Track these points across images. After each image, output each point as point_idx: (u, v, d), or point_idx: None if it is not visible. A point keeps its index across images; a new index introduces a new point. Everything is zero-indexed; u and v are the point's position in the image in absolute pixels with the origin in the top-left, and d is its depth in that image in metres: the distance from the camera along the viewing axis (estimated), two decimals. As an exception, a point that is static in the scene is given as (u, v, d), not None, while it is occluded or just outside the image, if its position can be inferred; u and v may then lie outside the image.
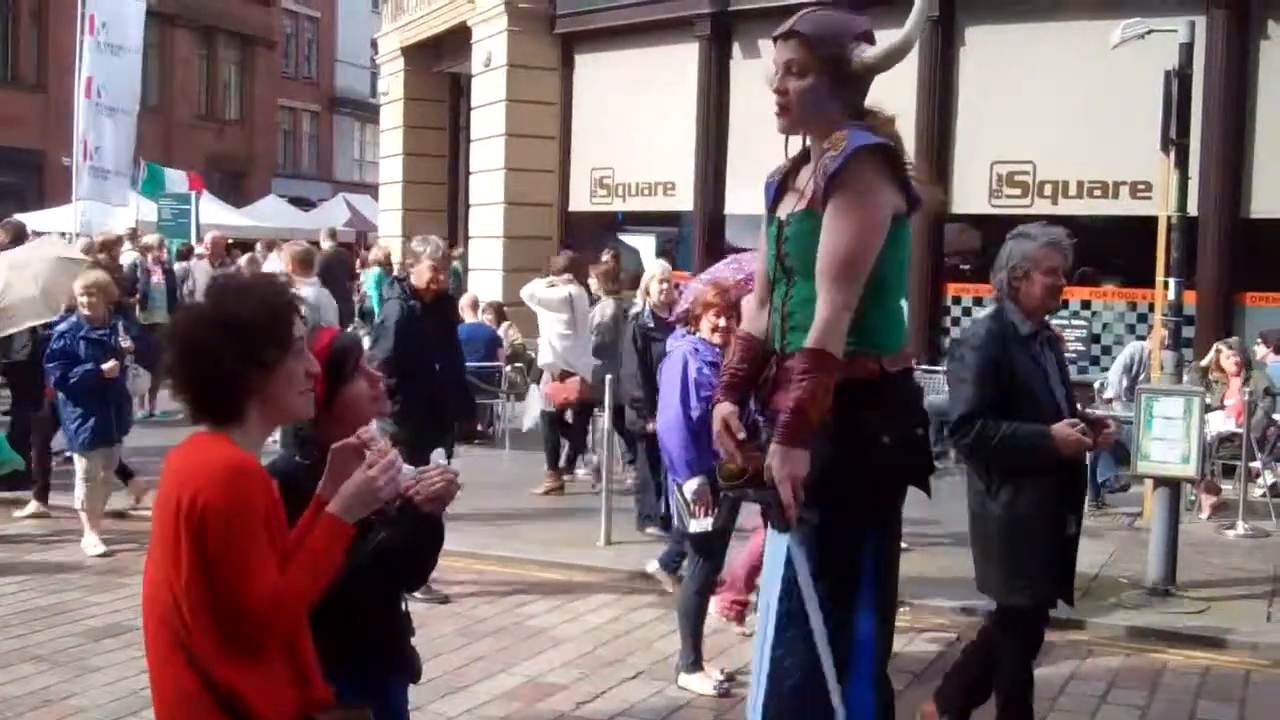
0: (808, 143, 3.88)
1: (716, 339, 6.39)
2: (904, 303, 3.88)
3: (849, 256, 3.55)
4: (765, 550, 3.96)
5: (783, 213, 3.85)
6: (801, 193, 3.78)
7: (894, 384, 3.70)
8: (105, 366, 8.87)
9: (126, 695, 6.17)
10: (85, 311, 9.10)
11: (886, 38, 3.78)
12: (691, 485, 6.22)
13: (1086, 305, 13.50)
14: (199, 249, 18.68)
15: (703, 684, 6.36)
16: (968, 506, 5.21)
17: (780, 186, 3.94)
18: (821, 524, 3.68)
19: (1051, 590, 5.13)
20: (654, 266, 10.17)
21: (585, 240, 17.15)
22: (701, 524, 6.23)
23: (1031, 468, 4.98)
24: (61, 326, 9.24)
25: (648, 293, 9.61)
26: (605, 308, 11.96)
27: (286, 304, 2.91)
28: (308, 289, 10.22)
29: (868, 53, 3.70)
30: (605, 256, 15.48)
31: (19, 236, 12.22)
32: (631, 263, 16.14)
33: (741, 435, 3.89)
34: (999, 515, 5.01)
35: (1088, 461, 10.48)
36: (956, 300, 14.14)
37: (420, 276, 8.10)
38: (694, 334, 6.58)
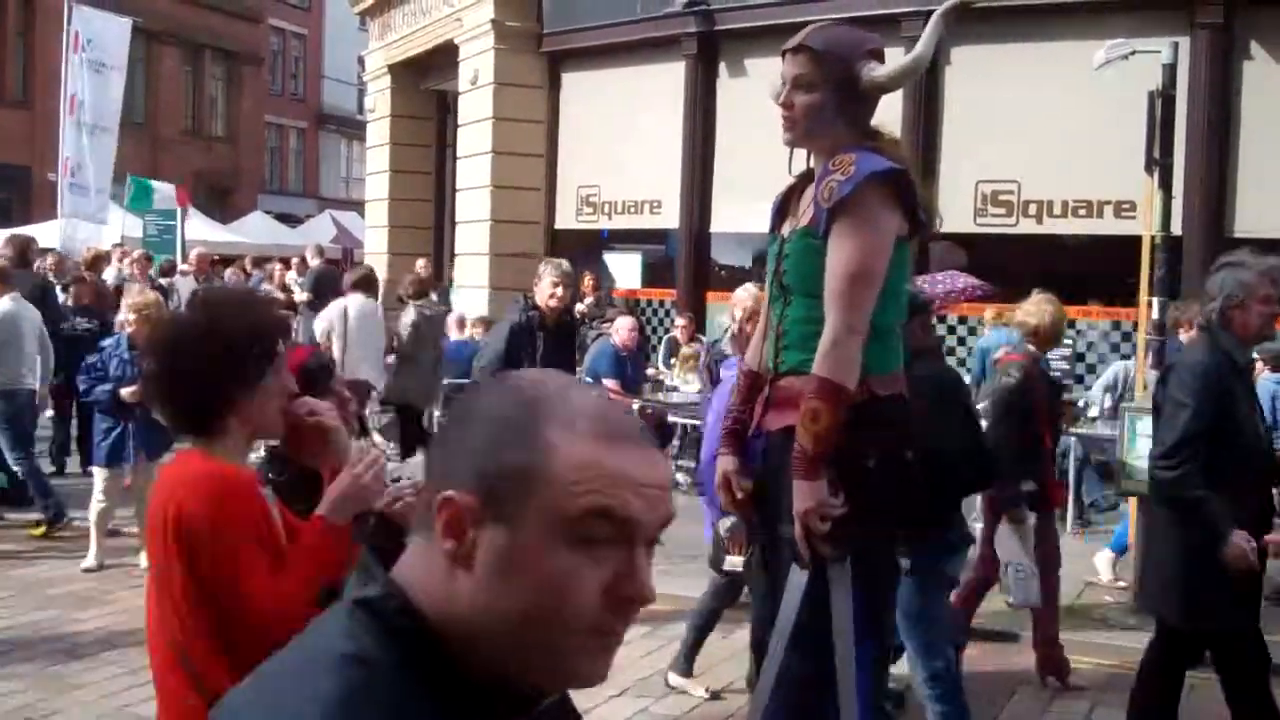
0: (812, 161, 3.84)
1: None
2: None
3: (855, 280, 3.52)
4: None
5: (785, 230, 3.83)
6: (804, 211, 3.75)
7: (883, 406, 3.63)
8: (124, 391, 8.79)
9: (110, 713, 6.16)
10: (129, 330, 9.08)
11: (894, 57, 3.77)
12: (726, 523, 5.90)
13: (1071, 324, 13.53)
14: (183, 266, 18.66)
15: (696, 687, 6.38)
16: (1143, 528, 5.12)
17: (784, 204, 3.91)
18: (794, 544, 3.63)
19: (1244, 615, 5.02)
20: (739, 292, 9.62)
21: (571, 258, 17.16)
22: (733, 562, 5.95)
23: (1239, 488, 4.85)
24: (106, 342, 9.24)
25: (732, 318, 9.04)
26: (407, 315, 12.19)
27: (275, 320, 2.93)
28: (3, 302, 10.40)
29: (878, 71, 3.67)
30: (586, 280, 15.59)
31: (24, 251, 12.22)
32: (609, 280, 16.22)
33: (741, 494, 3.91)
34: (1202, 539, 4.82)
35: (1071, 480, 10.60)
36: (940, 319, 14.16)
37: (542, 292, 8.13)
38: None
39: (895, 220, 3.62)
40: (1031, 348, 6.88)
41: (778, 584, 3.70)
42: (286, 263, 21.43)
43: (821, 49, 3.70)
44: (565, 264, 8.47)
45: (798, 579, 3.60)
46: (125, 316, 9.18)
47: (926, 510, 4.72)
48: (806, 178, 3.85)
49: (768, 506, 3.84)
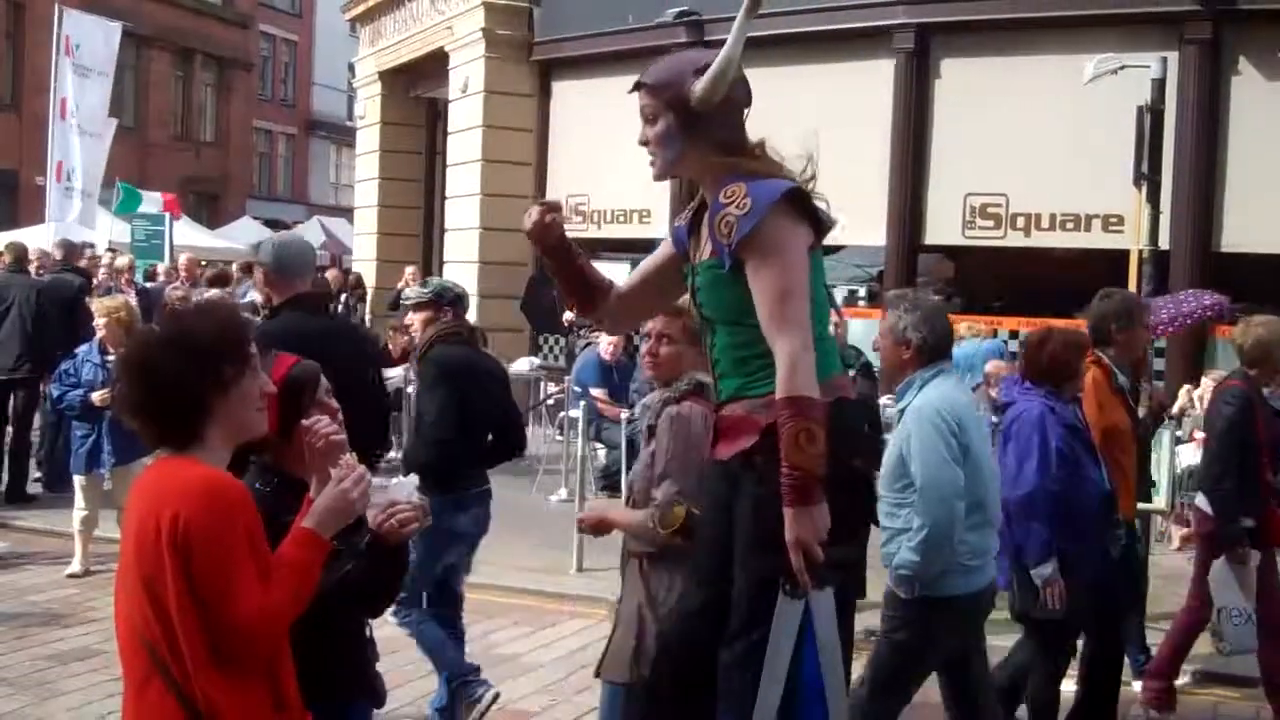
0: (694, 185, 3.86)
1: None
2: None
3: (785, 302, 3.50)
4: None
5: (695, 259, 3.82)
6: (704, 242, 3.74)
7: (827, 413, 3.51)
8: (94, 395, 8.76)
9: (94, 719, 6.14)
10: (100, 334, 9.05)
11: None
12: (1045, 570, 5.39)
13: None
14: (162, 269, 18.58)
15: None
16: None
17: (689, 231, 3.89)
18: (758, 567, 3.54)
19: None
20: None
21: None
22: (1050, 613, 5.48)
23: None
24: (81, 348, 9.20)
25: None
26: None
27: (241, 323, 2.95)
28: None
29: (696, 85, 3.66)
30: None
31: (21, 257, 12.22)
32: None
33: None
34: None
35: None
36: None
37: None
38: (1052, 392, 5.57)
39: (802, 232, 3.62)
40: (1253, 373, 6.46)
41: (754, 619, 3.56)
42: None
43: (652, 81, 3.76)
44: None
45: (787, 619, 3.50)
46: (96, 320, 9.13)
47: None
48: (703, 204, 3.83)
49: (725, 539, 3.71)
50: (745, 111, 3.78)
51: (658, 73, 3.79)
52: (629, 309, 4.21)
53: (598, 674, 4.69)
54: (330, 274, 20.51)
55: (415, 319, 6.29)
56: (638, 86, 3.80)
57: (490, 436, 6.33)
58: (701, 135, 3.69)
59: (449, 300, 6.26)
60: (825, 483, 3.42)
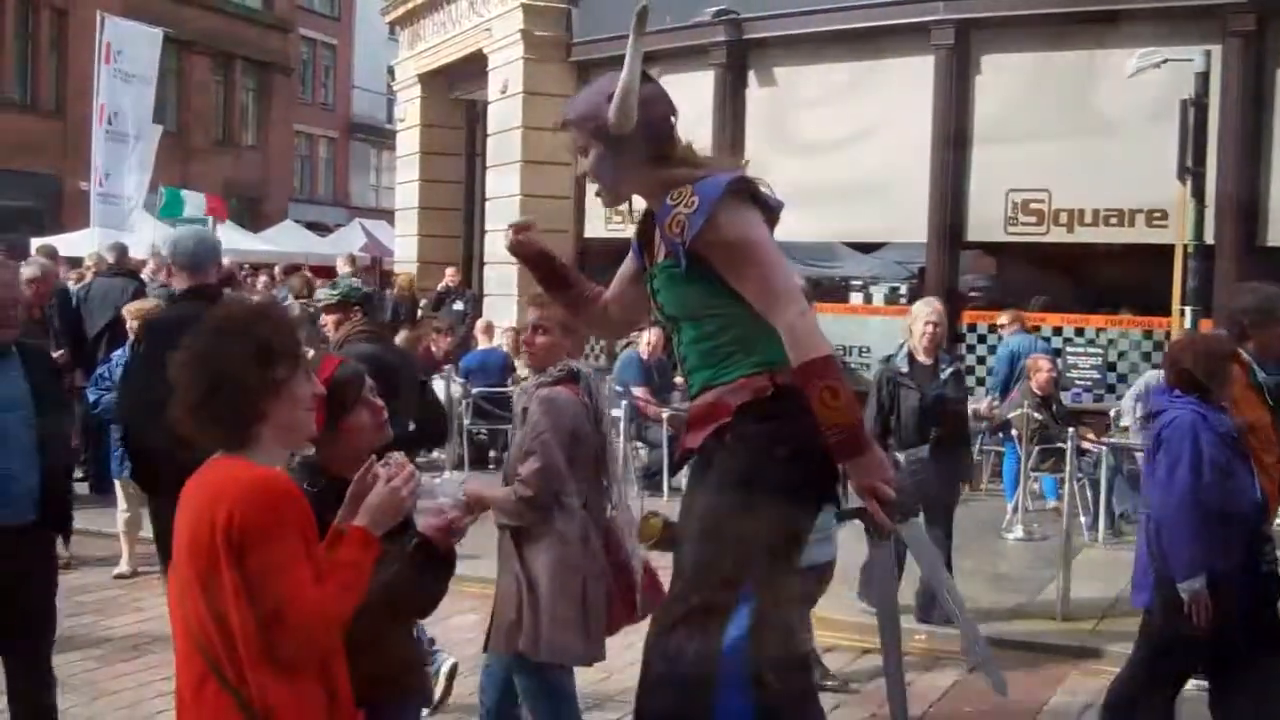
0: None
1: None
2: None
3: (765, 277, 3.60)
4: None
5: (650, 264, 3.94)
6: (659, 245, 3.85)
7: (787, 396, 3.60)
8: None
9: (142, 718, 6.19)
10: (133, 337, 9.11)
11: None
12: (1194, 585, 5.14)
13: (1102, 333, 13.48)
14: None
15: None
16: None
17: (644, 239, 4.03)
18: (712, 538, 3.62)
19: None
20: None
21: (600, 268, 17.18)
22: (1193, 629, 5.22)
23: None
24: (115, 352, 9.26)
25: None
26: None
27: (293, 325, 2.97)
28: None
29: (609, 113, 3.77)
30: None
31: (50, 260, 12.35)
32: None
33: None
34: None
35: (1103, 490, 10.53)
36: (972, 328, 14.11)
37: (915, 336, 8.04)
38: (1198, 398, 5.34)
39: (755, 215, 3.72)
40: None
41: (715, 589, 3.62)
42: (316, 271, 21.53)
43: (573, 117, 3.91)
44: (935, 302, 8.47)
45: (881, 559, 3.79)
46: (129, 324, 9.19)
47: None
48: (651, 214, 3.95)
49: (716, 519, 3.73)
50: (672, 120, 3.92)
51: (575, 107, 3.94)
52: (611, 317, 4.34)
53: (485, 649, 4.95)
54: (402, 279, 20.23)
55: (327, 320, 6.60)
56: (563, 126, 3.95)
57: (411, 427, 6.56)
58: (631, 155, 3.82)
59: (357, 300, 6.56)
60: (798, 452, 3.55)
